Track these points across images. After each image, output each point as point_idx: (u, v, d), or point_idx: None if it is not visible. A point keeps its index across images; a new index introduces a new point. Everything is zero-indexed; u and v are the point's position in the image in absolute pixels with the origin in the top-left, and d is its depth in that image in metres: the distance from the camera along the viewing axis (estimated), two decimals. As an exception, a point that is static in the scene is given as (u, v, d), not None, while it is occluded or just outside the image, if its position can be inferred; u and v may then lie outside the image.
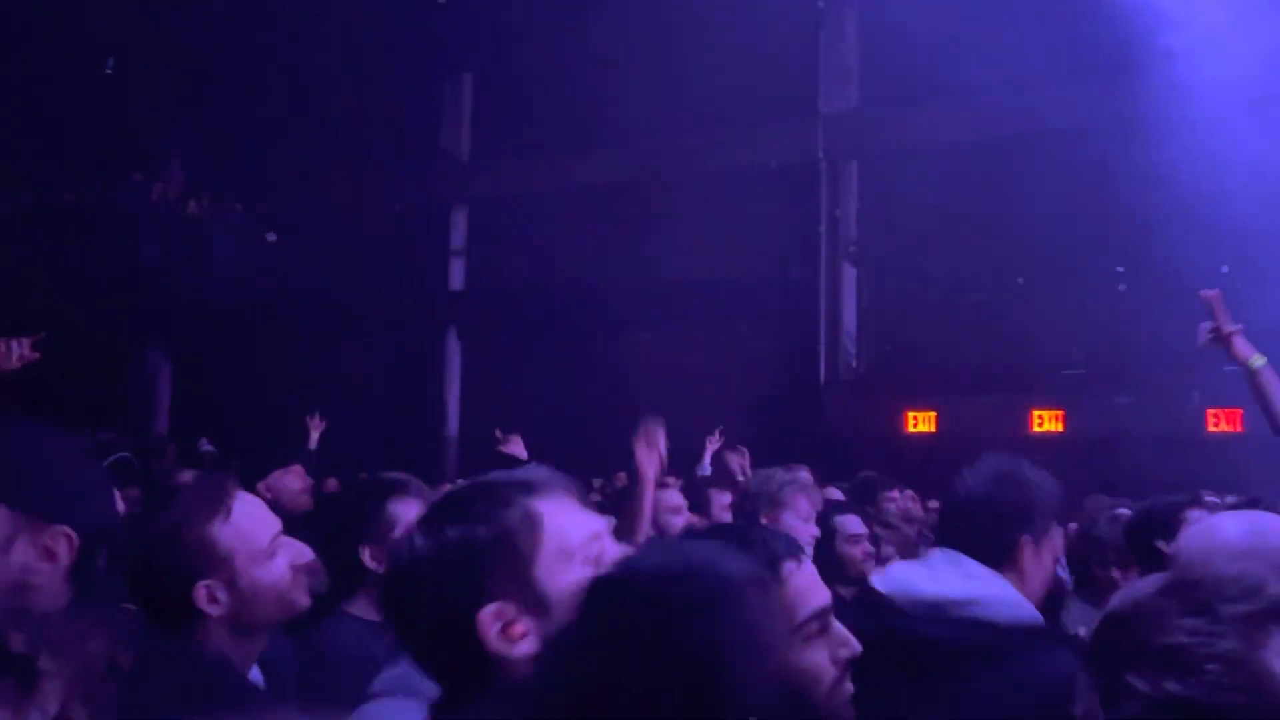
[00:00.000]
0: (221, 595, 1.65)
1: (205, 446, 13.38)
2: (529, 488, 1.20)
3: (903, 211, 12.17)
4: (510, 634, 1.13)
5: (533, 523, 1.17)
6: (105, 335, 14.98)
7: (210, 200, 15.15)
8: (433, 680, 1.20)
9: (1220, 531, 1.72)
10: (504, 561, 1.14)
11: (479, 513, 1.17)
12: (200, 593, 1.64)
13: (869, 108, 12.83)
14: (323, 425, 7.67)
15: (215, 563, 1.65)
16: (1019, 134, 11.28)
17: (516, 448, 5.65)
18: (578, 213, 13.56)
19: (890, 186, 12.49)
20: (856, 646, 1.33)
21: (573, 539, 1.18)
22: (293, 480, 4.72)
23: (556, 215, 13.69)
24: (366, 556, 2.24)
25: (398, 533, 2.12)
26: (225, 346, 14.96)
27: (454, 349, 15.04)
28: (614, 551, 1.19)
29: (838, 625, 1.36)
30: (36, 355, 3.65)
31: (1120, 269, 10.88)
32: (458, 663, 1.15)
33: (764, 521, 3.19)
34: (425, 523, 1.20)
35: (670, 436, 6.70)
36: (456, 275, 15.33)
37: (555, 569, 1.15)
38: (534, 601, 1.14)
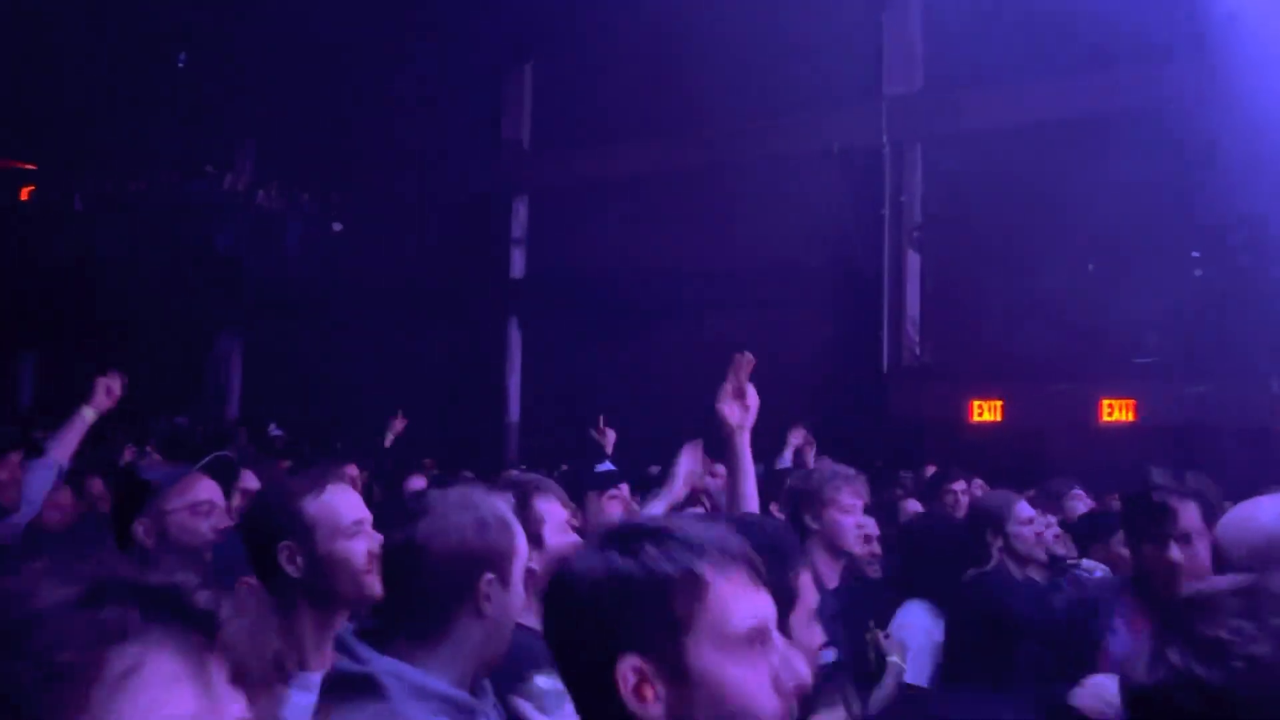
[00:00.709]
0: (300, 559, 1.93)
1: (274, 431, 13.73)
2: (701, 550, 1.12)
3: (968, 195, 11.94)
4: (642, 693, 1.08)
5: (697, 587, 1.10)
6: (181, 322, 15.44)
7: (279, 190, 15.48)
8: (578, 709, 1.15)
9: (1256, 514, 1.81)
10: (657, 617, 1.08)
11: (649, 555, 1.11)
12: (282, 552, 1.92)
13: (933, 90, 12.60)
14: (402, 426, 7.79)
15: (299, 530, 1.94)
16: (1089, 115, 10.97)
17: (608, 440, 5.82)
18: (639, 200, 13.57)
19: (955, 170, 12.25)
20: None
21: (733, 622, 1.09)
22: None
23: (618, 202, 13.72)
24: None
25: (547, 530, 2.27)
26: (294, 333, 15.31)
27: (515, 337, 15.17)
28: (780, 643, 1.13)
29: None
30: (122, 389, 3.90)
31: (1196, 254, 10.54)
32: (594, 702, 1.11)
33: (808, 518, 3.16)
34: (602, 544, 1.15)
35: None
36: (518, 263, 15.45)
37: (706, 646, 1.08)
38: (675, 671, 1.08)
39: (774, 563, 1.28)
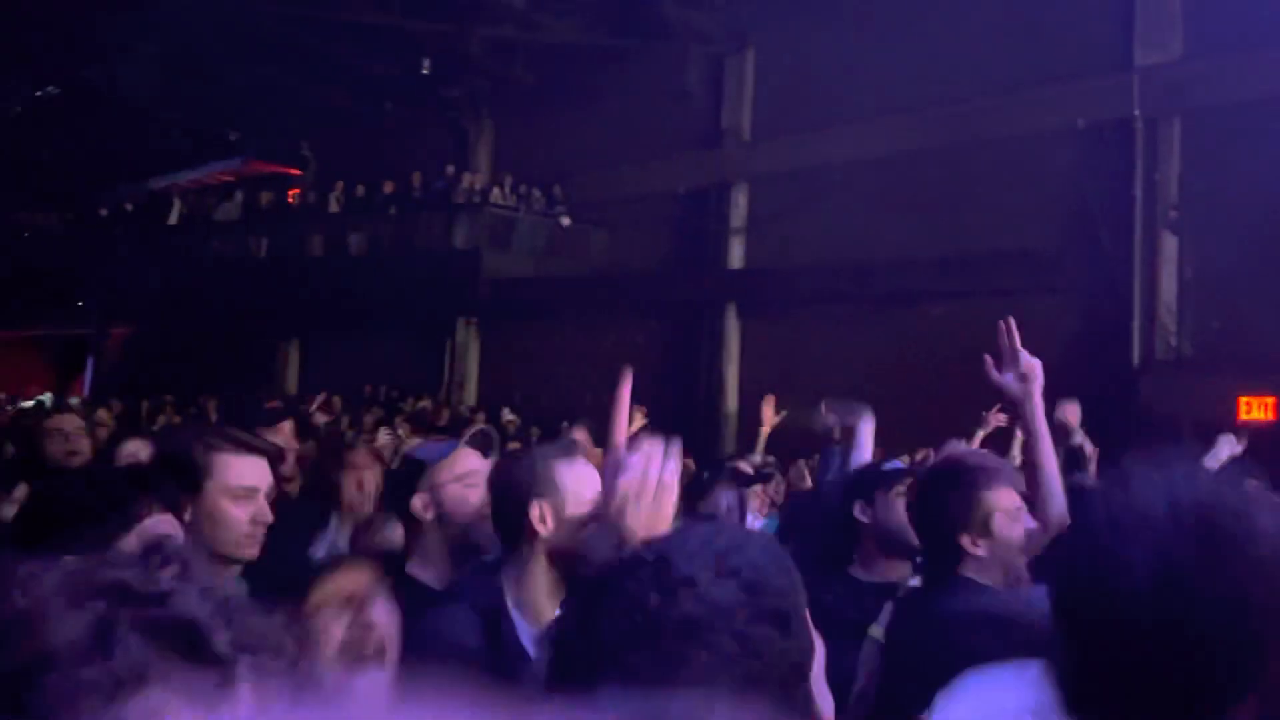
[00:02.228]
0: (550, 520, 2.02)
1: (507, 415, 14.41)
2: None
3: (1232, 173, 10.81)
4: None
5: None
6: (422, 313, 16.50)
7: (513, 188, 16.22)
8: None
9: None
10: None
11: None
12: (534, 510, 2.01)
13: (1194, 58, 11.48)
14: (644, 417, 7.84)
15: (551, 491, 2.04)
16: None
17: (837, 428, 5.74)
18: (863, 185, 13.20)
19: (1218, 145, 11.13)
20: None
21: None
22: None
23: (841, 189, 13.41)
24: (967, 543, 2.27)
25: (996, 521, 2.24)
26: (526, 323, 16.02)
27: (733, 326, 15.16)
28: None
29: None
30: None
31: None
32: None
33: None
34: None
35: (966, 419, 6.37)
36: (736, 253, 15.43)
37: None
38: None
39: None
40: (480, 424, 7.88)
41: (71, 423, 4.27)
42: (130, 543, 1.68)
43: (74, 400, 16.04)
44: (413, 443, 5.60)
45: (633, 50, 15.21)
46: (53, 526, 1.76)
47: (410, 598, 1.88)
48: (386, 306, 16.23)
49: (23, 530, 1.79)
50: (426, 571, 2.39)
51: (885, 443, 8.64)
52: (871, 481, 3.13)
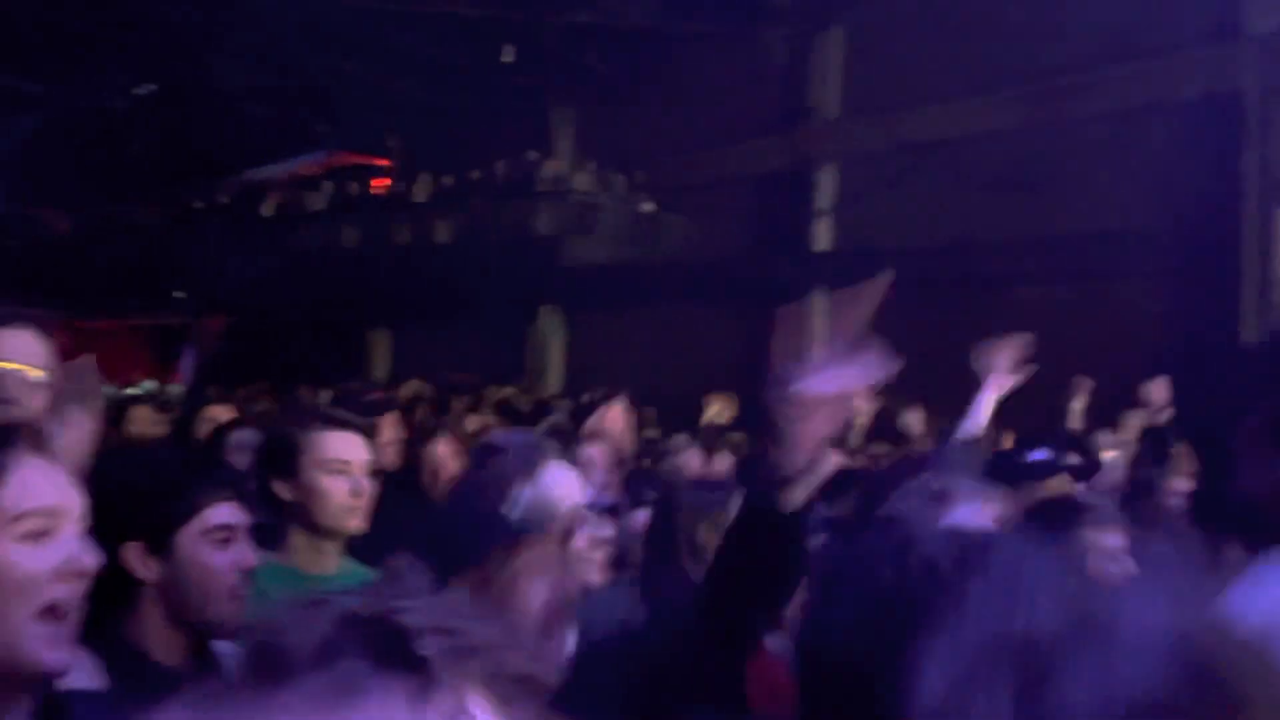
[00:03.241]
0: None
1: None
2: None
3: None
4: None
5: None
6: (506, 301, 16.64)
7: (595, 173, 16.22)
8: None
9: None
10: None
11: None
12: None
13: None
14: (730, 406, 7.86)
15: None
16: None
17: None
18: (955, 164, 12.85)
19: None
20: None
21: None
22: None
23: (931, 169, 13.08)
24: None
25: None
26: (608, 309, 16.04)
27: (821, 311, 14.92)
28: None
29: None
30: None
31: None
32: None
33: None
34: None
35: (1052, 407, 6.14)
36: (822, 236, 15.18)
37: None
38: None
39: None
40: (560, 413, 7.93)
41: (224, 412, 4.42)
42: (192, 531, 1.68)
43: (174, 388, 16.62)
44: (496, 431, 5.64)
45: (714, 32, 15.05)
46: (106, 511, 1.78)
47: None
48: (471, 294, 16.42)
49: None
50: None
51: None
52: (1008, 473, 2.78)
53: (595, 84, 16.65)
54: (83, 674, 1.43)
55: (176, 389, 16.30)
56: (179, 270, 19.65)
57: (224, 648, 1.76)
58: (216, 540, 1.71)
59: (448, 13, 15.08)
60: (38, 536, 1.09)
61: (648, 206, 16.06)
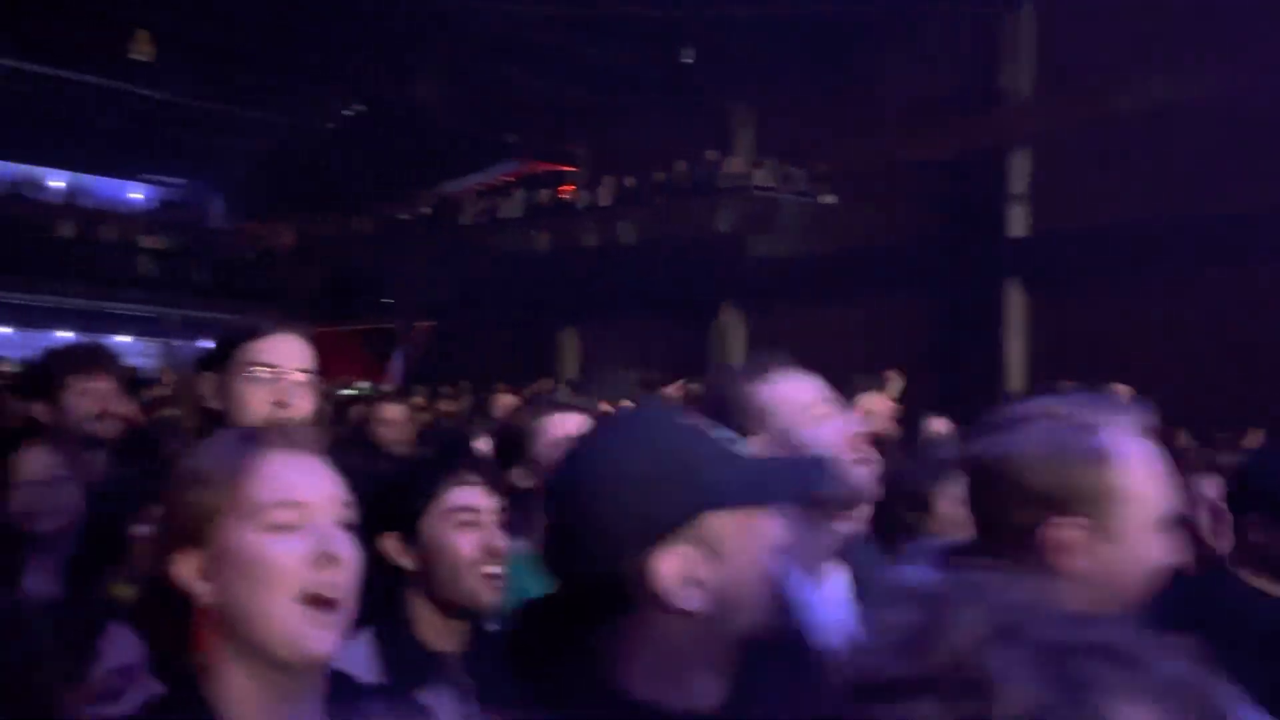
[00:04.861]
0: None
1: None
2: None
3: None
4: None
5: None
6: (689, 299, 16.84)
7: (774, 168, 16.16)
8: None
9: None
10: None
11: None
12: None
13: None
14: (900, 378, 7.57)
15: None
16: None
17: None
18: (1159, 140, 12.02)
19: None
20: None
21: None
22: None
23: (1131, 146, 12.28)
24: None
25: None
26: (791, 304, 15.94)
27: (1016, 300, 14.28)
28: None
29: None
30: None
31: None
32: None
33: None
34: None
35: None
36: (1017, 221, 14.52)
37: None
38: None
39: None
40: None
41: (397, 411, 4.75)
42: (434, 515, 1.73)
43: (385, 388, 17.77)
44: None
45: (897, 16, 14.67)
46: (363, 507, 1.89)
47: None
48: (655, 293, 16.71)
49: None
50: None
51: (1196, 427, 7.90)
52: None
53: (774, 78, 16.57)
54: (362, 663, 1.52)
55: (387, 389, 17.41)
56: (388, 278, 20.98)
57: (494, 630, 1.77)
58: (459, 522, 1.73)
59: (630, 15, 15.39)
60: (288, 527, 1.14)
61: (830, 198, 15.84)
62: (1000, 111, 14.61)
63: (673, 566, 1.05)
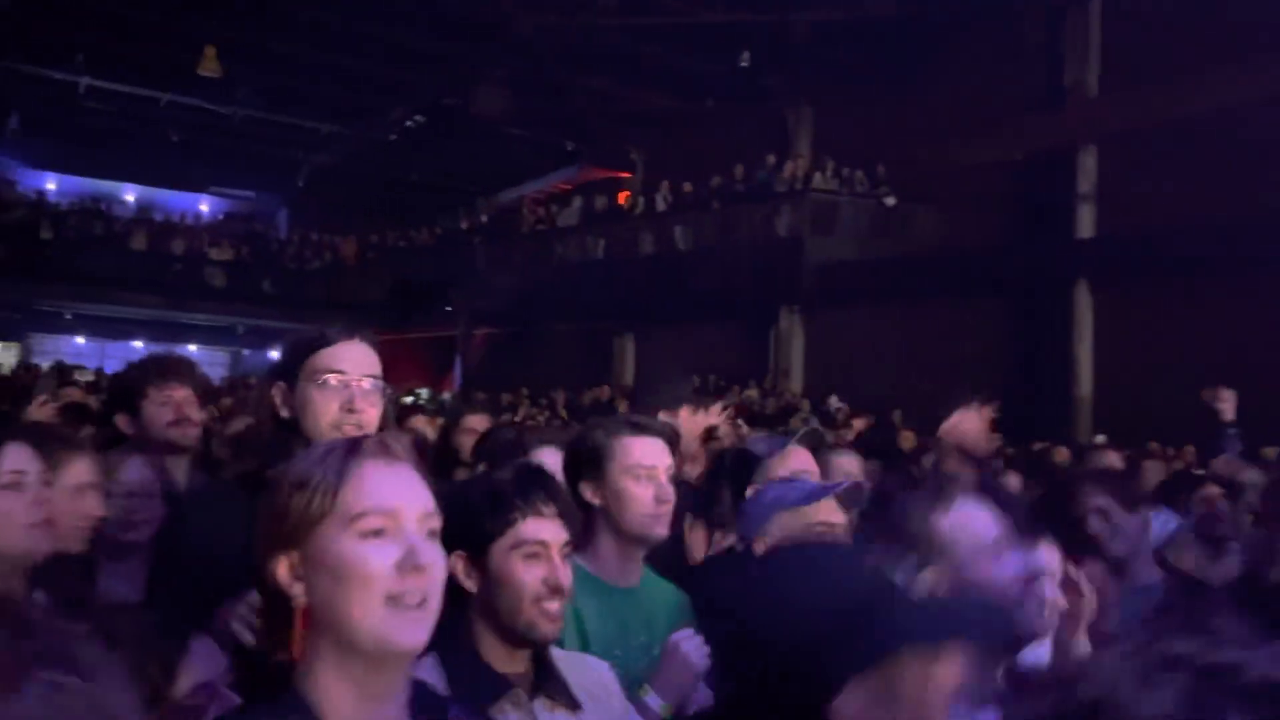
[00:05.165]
0: None
1: (835, 404, 14.27)
2: None
3: None
4: None
5: None
6: (748, 302, 16.74)
7: (835, 172, 16.01)
8: None
9: None
10: None
11: None
12: None
13: None
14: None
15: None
16: None
17: (1227, 403, 5.15)
18: (1229, 137, 11.67)
19: None
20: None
21: None
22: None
23: (1203, 144, 11.94)
24: None
25: None
26: (850, 308, 15.76)
27: (1085, 302, 13.96)
28: None
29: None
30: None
31: None
32: None
33: None
34: None
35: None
36: (1085, 222, 14.20)
37: None
38: None
39: None
40: (805, 416, 7.90)
41: (481, 422, 4.78)
42: (504, 545, 1.73)
43: (446, 395, 17.96)
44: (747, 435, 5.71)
45: (958, 15, 14.46)
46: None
47: None
48: (713, 298, 16.65)
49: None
50: None
51: (1267, 434, 7.60)
52: None
53: (833, 80, 16.44)
54: (430, 676, 1.50)
55: (448, 396, 17.61)
56: (449, 285, 21.23)
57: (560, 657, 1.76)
58: (527, 554, 1.72)
59: (686, 22, 15.39)
60: (377, 534, 1.18)
61: (891, 200, 15.65)
62: (1067, 111, 14.32)
63: (856, 709, 1.11)
